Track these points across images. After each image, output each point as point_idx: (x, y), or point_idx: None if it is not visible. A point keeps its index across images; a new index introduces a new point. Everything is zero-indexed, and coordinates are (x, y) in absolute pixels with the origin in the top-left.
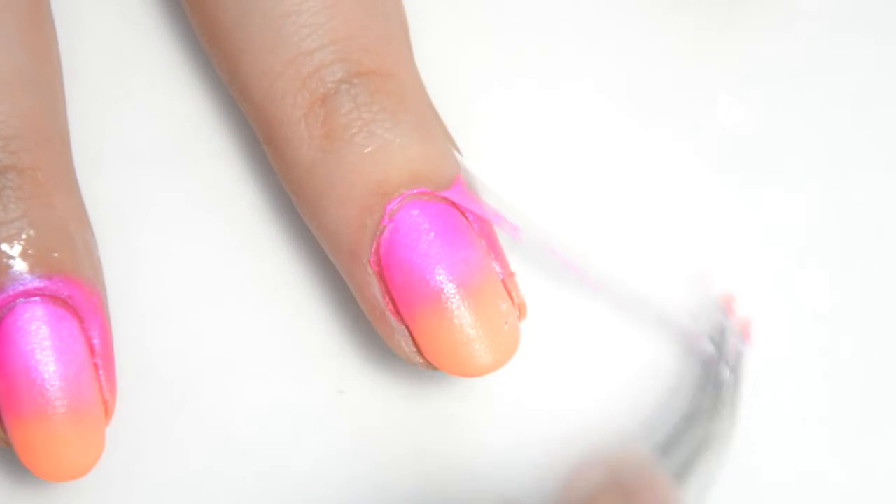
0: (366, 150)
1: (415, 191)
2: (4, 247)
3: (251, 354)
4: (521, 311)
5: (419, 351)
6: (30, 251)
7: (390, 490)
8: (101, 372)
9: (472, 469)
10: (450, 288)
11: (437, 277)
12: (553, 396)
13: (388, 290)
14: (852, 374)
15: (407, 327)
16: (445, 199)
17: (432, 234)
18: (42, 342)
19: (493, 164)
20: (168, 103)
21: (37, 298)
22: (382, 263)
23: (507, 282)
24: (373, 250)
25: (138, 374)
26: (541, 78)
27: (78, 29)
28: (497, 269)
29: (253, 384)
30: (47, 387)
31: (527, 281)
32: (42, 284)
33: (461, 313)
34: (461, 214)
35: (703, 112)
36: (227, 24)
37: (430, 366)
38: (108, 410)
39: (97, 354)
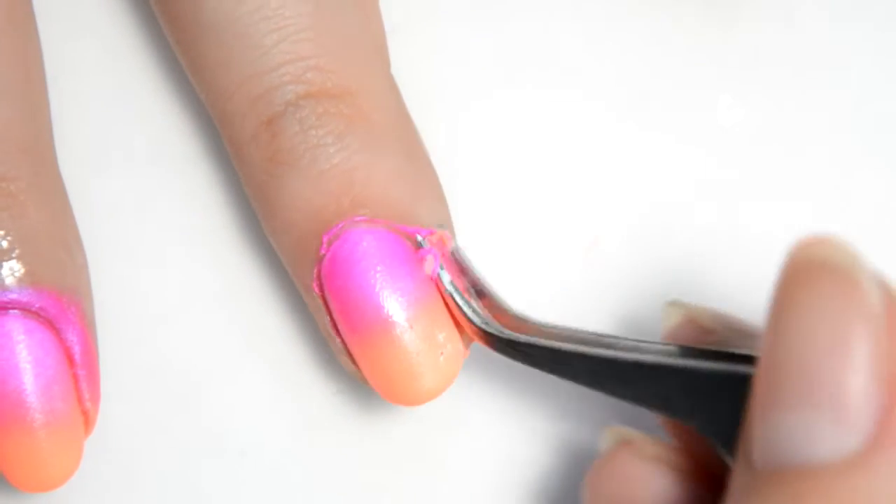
0: (309, 175)
1: (353, 219)
2: None
3: (250, 354)
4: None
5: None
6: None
7: (389, 491)
8: (82, 382)
9: (470, 469)
10: (382, 320)
11: (371, 309)
12: (553, 397)
13: (330, 315)
14: None
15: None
16: (386, 224)
17: (367, 264)
18: (10, 356)
19: (489, 166)
20: (166, 104)
21: (6, 312)
22: (324, 289)
23: (458, 299)
24: (314, 276)
25: (138, 375)
26: (539, 79)
27: (74, 28)
28: (448, 288)
29: (252, 384)
30: (17, 400)
31: (524, 280)
32: (11, 297)
33: (393, 345)
34: (402, 239)
35: (703, 112)
36: (186, 42)
37: None
38: (88, 420)
39: (77, 364)
